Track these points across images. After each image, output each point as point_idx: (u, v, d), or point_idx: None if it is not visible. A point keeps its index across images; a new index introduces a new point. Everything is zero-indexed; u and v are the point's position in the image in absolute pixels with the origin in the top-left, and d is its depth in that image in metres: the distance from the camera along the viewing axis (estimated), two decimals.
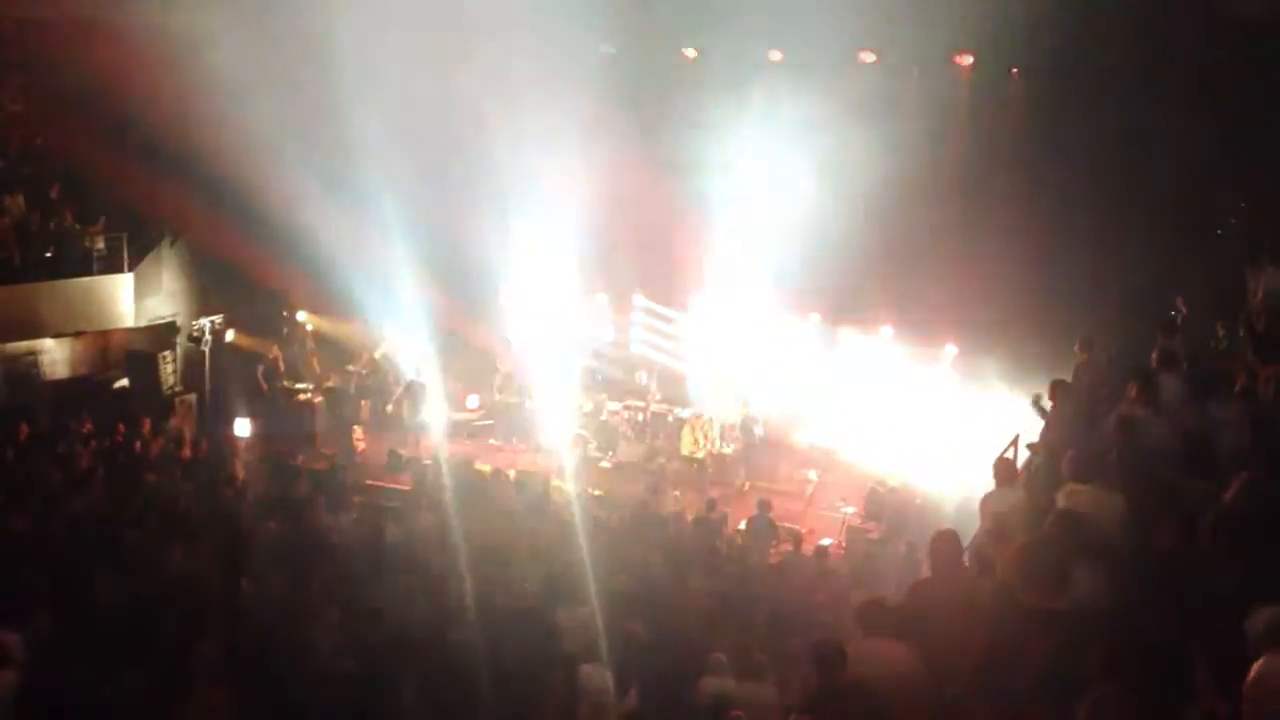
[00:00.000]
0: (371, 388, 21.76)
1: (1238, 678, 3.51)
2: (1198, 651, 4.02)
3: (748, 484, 18.72)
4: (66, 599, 10.18)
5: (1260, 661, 3.34)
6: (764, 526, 15.49)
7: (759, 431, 19.19)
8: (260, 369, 20.87)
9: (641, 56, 21.80)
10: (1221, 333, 10.74)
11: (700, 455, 19.47)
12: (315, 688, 9.02)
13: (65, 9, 19.28)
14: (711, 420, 19.81)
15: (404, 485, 17.06)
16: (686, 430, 19.83)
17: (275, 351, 21.32)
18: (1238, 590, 4.33)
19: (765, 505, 15.86)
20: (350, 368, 22.29)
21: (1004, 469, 9.34)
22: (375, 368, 22.07)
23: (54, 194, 20.65)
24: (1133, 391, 8.36)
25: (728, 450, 19.49)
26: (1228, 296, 11.63)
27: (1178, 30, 16.14)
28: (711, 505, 15.73)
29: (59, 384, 20.31)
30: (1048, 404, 10.66)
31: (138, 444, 17.07)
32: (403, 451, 19.55)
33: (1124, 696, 3.80)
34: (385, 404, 21.37)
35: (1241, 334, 9.59)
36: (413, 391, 20.55)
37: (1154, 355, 9.31)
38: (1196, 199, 16.48)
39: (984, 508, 8.76)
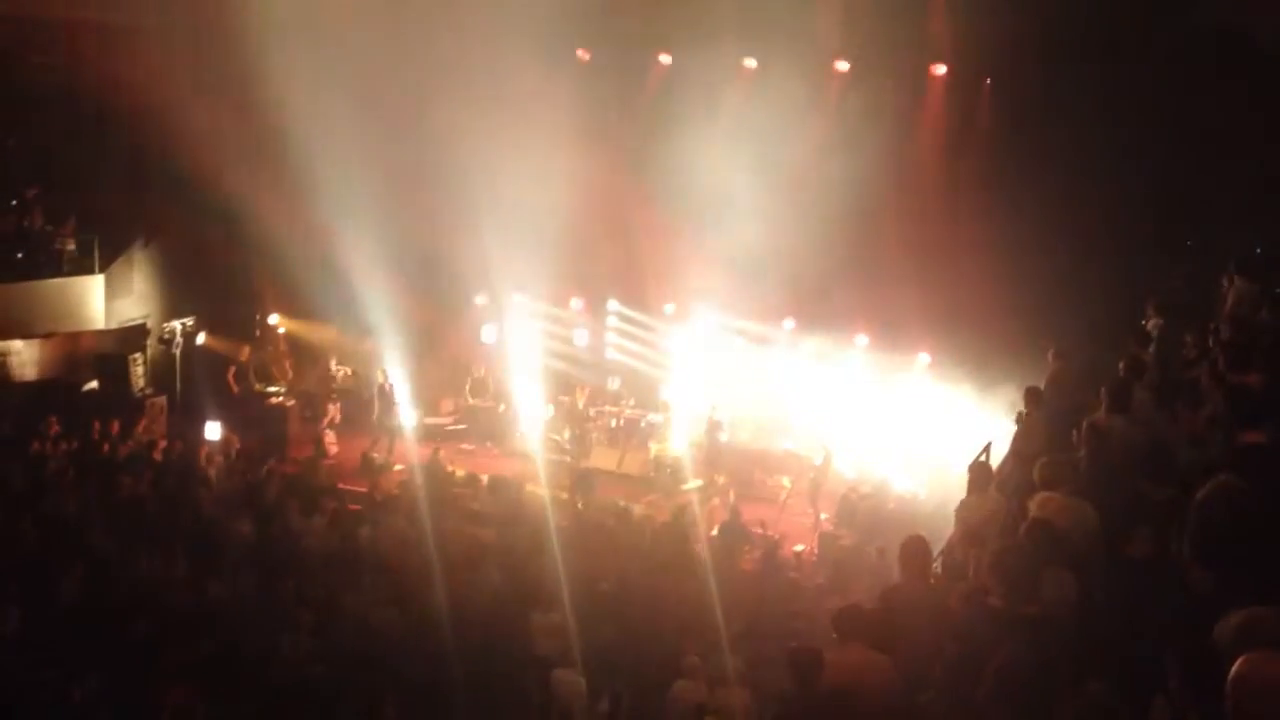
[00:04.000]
0: (344, 391, 21.67)
1: (1211, 683, 3.54)
2: (1170, 657, 4.05)
3: (724, 482, 18.58)
4: (35, 601, 10.11)
5: (1240, 661, 3.36)
6: (736, 532, 15.53)
7: (723, 436, 19.16)
8: (232, 371, 20.78)
9: (616, 62, 21.81)
10: (1191, 341, 10.82)
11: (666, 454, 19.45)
12: (285, 692, 8.98)
13: (37, 7, 19.16)
14: (668, 420, 19.82)
15: (381, 489, 17.02)
16: (661, 428, 19.86)
17: (246, 354, 21.21)
18: (1208, 596, 4.36)
19: (736, 511, 15.97)
20: (324, 371, 22.19)
21: (979, 475, 9.39)
22: (348, 371, 21.98)
23: (28, 195, 20.47)
24: (1103, 400, 8.42)
25: (678, 453, 19.47)
26: (1199, 306, 11.74)
27: (1151, 41, 16.27)
28: (681, 511, 15.76)
29: (28, 386, 20.14)
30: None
31: (106, 446, 16.97)
32: (375, 455, 19.51)
33: (1110, 698, 3.83)
34: (358, 407, 21.29)
35: (1212, 344, 9.66)
36: (386, 395, 20.50)
37: (1121, 364, 9.38)
38: (1168, 209, 16.61)
39: (959, 514, 8.81)
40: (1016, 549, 5.82)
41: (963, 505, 8.84)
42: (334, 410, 21.29)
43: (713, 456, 19.09)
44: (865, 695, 5.78)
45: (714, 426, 19.06)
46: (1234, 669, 3.39)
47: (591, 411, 21.00)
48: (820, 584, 14.27)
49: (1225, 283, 10.82)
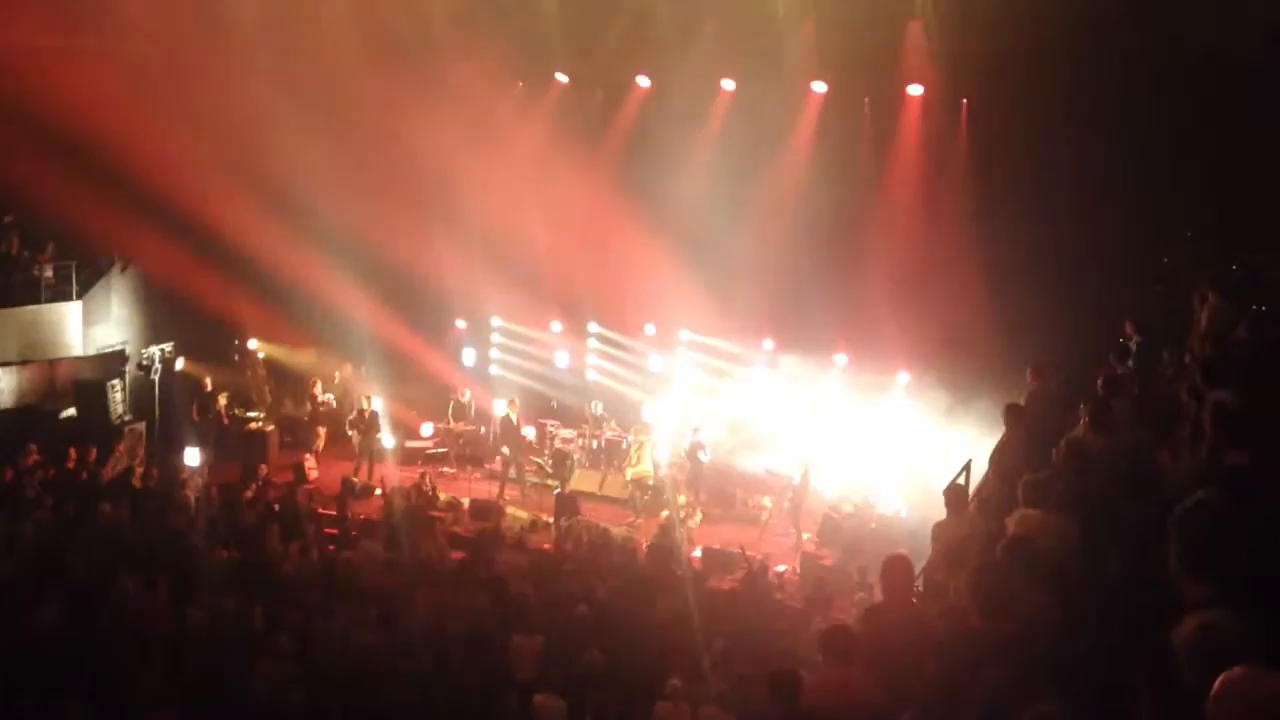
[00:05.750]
0: (325, 415, 21.59)
1: (1185, 698, 3.54)
2: (1146, 675, 4.05)
3: (699, 512, 18.52)
4: (12, 630, 10.03)
5: (1222, 679, 3.34)
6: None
7: (704, 458, 19.12)
8: (195, 404, 20.66)
9: (595, 86, 21.90)
10: (1168, 358, 10.87)
11: (643, 477, 19.39)
12: (266, 717, 8.93)
13: (14, 35, 19.07)
14: (645, 442, 19.77)
15: (357, 513, 16.97)
16: (633, 450, 19.80)
17: (210, 383, 21.07)
18: (1187, 612, 4.36)
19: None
20: (306, 396, 22.09)
21: (955, 496, 9.39)
22: (329, 396, 21.91)
23: (5, 221, 20.36)
24: (1082, 417, 8.44)
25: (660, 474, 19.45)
26: (1175, 323, 11.79)
27: (1126, 59, 16.38)
28: (664, 532, 15.74)
29: (5, 414, 19.99)
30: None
31: (85, 473, 16.85)
32: (356, 479, 19.42)
33: (1063, 716, 3.82)
34: (339, 432, 21.20)
35: (1188, 360, 9.70)
36: (367, 419, 20.42)
37: (1100, 381, 9.40)
38: (1145, 225, 16.70)
39: (936, 535, 8.80)
40: (994, 567, 5.82)
41: (940, 526, 8.85)
42: (318, 435, 21.20)
43: (694, 479, 19.04)
44: (847, 715, 5.77)
45: (695, 448, 19.04)
46: (1216, 687, 3.38)
47: (567, 433, 20.95)
48: (802, 604, 14.23)
49: (1197, 300, 10.88)
